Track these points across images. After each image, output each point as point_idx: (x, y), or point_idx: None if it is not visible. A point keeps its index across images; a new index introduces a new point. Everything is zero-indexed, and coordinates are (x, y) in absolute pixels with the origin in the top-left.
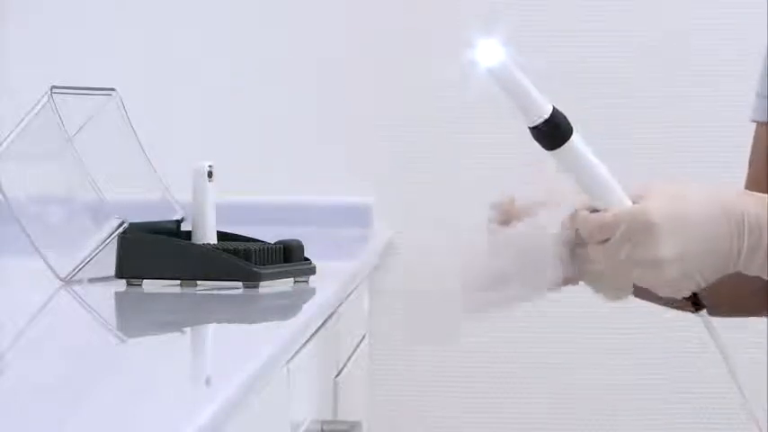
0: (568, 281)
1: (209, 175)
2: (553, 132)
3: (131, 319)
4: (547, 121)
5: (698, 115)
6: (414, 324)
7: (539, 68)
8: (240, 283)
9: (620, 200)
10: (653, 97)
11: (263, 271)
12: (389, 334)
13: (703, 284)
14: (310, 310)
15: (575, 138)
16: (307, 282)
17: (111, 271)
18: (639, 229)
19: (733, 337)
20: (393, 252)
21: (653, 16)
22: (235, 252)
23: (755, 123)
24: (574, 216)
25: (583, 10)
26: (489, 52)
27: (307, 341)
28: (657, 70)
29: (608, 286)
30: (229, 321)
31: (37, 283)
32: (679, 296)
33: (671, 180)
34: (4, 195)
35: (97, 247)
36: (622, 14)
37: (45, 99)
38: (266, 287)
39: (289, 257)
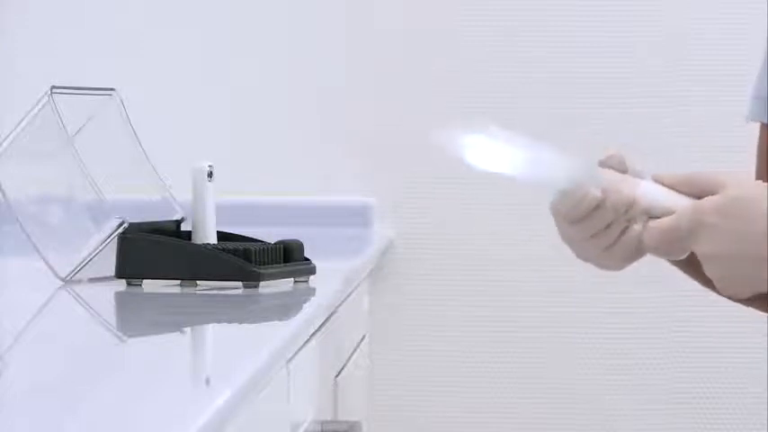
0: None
1: (210, 175)
2: None
3: (131, 319)
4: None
5: (697, 115)
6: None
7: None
8: (240, 283)
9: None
10: (653, 97)
11: (263, 271)
12: (389, 334)
13: (759, 289)
14: (310, 310)
15: None
16: (307, 282)
17: (111, 271)
18: (696, 225)
19: (733, 337)
20: (393, 252)
21: (653, 16)
22: (235, 252)
23: (760, 125)
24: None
25: (582, 10)
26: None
27: (307, 341)
28: (657, 70)
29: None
30: (229, 321)
31: (37, 283)
32: (741, 296)
33: (746, 178)
34: (4, 195)
35: (97, 247)
36: (622, 14)
37: (45, 99)
38: (266, 287)
39: (289, 257)
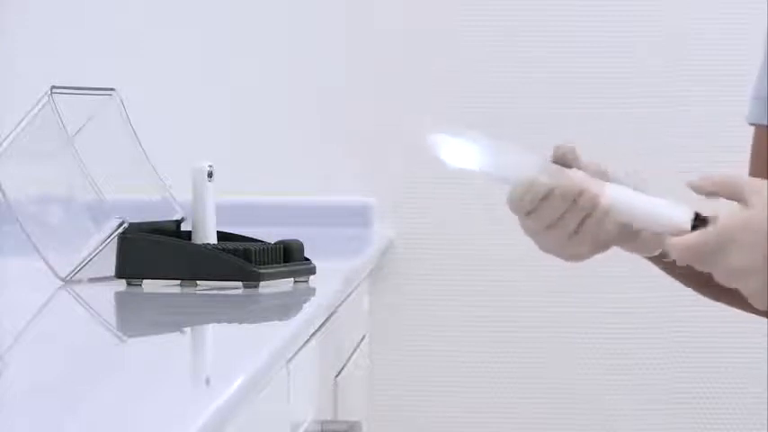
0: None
1: (210, 175)
2: None
3: (131, 319)
4: None
5: (697, 115)
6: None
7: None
8: (240, 283)
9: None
10: (653, 97)
11: (263, 271)
12: (389, 334)
13: None
14: (310, 310)
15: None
16: (307, 282)
17: (111, 271)
18: (725, 242)
19: (733, 337)
20: (393, 252)
21: (653, 16)
22: (235, 252)
23: (756, 129)
24: (668, 246)
25: (582, 10)
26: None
27: (307, 341)
28: (657, 70)
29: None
30: (229, 321)
31: (37, 283)
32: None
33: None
34: (4, 195)
35: (97, 247)
36: (622, 14)
37: (45, 99)
38: (266, 287)
39: (289, 257)
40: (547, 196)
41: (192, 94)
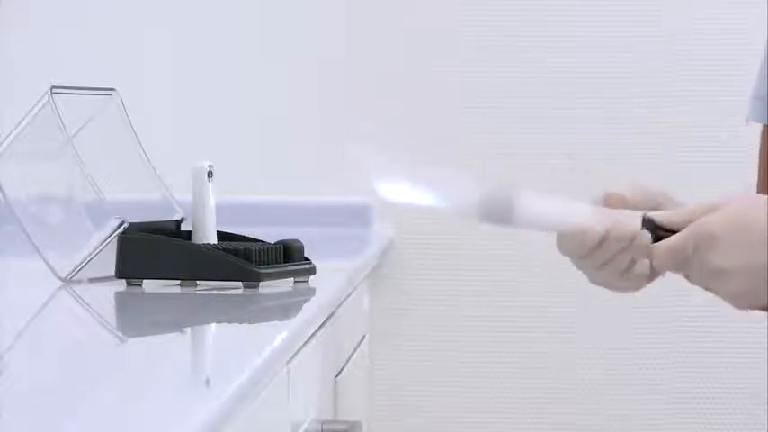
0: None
1: (209, 175)
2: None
3: (131, 319)
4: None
5: (698, 115)
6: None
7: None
8: (240, 283)
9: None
10: (653, 97)
11: (263, 271)
12: (389, 334)
13: None
14: (310, 310)
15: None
16: (307, 282)
17: (111, 271)
18: (703, 242)
19: (733, 337)
20: (393, 252)
21: (653, 16)
22: (235, 252)
23: (763, 127)
24: (650, 252)
25: (582, 10)
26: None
27: (307, 341)
28: (657, 70)
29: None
30: (229, 321)
31: (37, 283)
32: (753, 308)
33: (749, 192)
34: (4, 195)
35: (97, 247)
36: (622, 14)
37: (45, 99)
38: (266, 287)
39: (289, 257)
40: (601, 242)
41: (192, 94)
